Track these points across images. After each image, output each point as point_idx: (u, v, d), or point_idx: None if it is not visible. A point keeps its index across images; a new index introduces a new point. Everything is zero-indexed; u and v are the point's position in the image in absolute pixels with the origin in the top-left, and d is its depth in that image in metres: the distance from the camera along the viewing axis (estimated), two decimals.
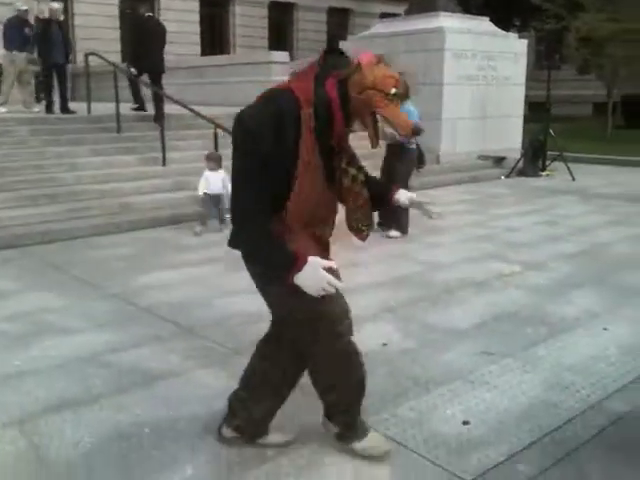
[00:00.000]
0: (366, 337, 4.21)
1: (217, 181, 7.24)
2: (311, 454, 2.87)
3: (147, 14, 10.67)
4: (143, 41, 10.28)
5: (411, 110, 7.06)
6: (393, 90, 2.22)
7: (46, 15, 10.79)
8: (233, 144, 2.33)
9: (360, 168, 2.52)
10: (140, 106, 10.78)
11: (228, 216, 6.93)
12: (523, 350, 3.99)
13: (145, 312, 4.74)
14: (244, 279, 5.65)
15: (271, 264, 2.39)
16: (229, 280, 5.47)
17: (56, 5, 10.84)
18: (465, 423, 3.14)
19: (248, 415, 2.88)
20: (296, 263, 2.30)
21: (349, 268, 5.80)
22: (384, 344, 4.11)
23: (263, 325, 4.34)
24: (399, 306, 4.83)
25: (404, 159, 7.10)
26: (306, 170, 2.33)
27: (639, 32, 16.51)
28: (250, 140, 2.25)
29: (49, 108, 10.89)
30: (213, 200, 7.29)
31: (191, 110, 8.89)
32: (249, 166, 2.28)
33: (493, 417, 3.21)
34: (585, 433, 3.08)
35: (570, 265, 5.94)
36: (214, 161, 7.33)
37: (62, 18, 11.08)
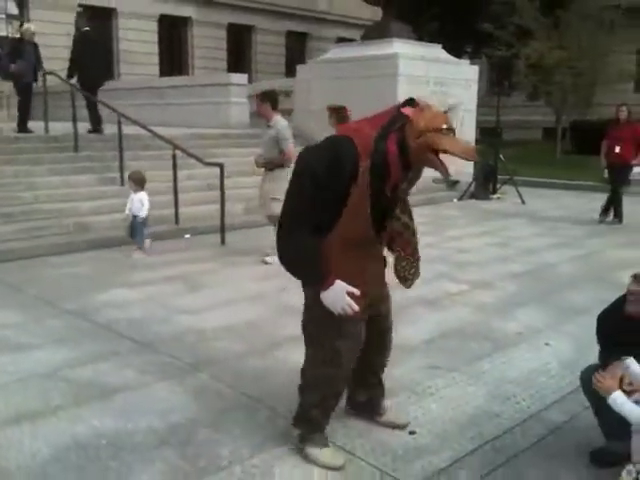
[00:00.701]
0: None
1: (136, 201, 7.30)
2: (263, 464, 2.99)
3: (84, 29, 10.85)
4: (81, 55, 10.50)
5: None
6: (444, 125, 2.45)
7: (17, 35, 10.82)
8: (293, 172, 2.65)
9: (412, 218, 2.75)
10: (95, 128, 10.83)
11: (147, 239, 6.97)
12: (468, 364, 4.19)
13: (103, 329, 4.80)
14: (201, 298, 5.81)
15: (304, 277, 2.75)
16: (186, 299, 5.57)
17: (27, 25, 10.89)
18: (411, 433, 3.30)
19: None
20: (324, 282, 2.65)
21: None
22: None
23: (218, 342, 4.50)
24: None
25: None
26: (351, 213, 2.56)
27: (583, 61, 17.29)
28: (307, 175, 2.53)
29: (22, 126, 10.81)
30: (134, 221, 7.29)
31: (149, 130, 8.97)
32: (303, 193, 2.57)
33: (438, 426, 3.38)
34: (524, 441, 3.27)
35: (516, 284, 6.20)
36: (134, 181, 7.40)
37: (34, 38, 11.04)
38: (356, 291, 2.66)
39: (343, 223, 2.60)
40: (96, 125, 10.91)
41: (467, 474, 2.96)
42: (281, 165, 6.65)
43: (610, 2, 18.27)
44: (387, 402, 3.42)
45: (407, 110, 2.51)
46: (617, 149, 9.41)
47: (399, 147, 2.48)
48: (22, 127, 10.67)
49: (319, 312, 2.76)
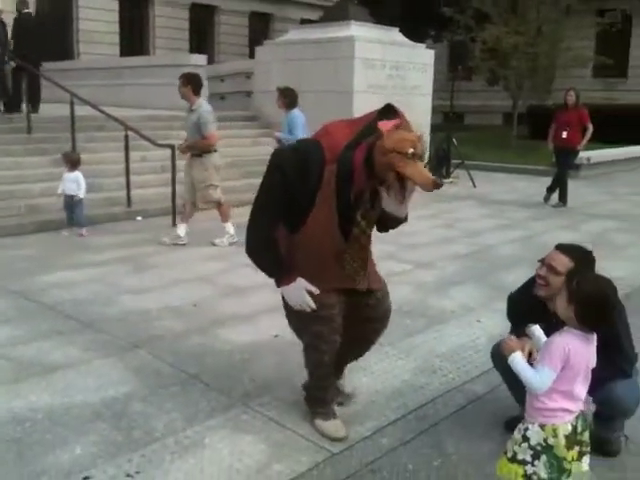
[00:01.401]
0: (260, 329, 4.54)
1: (70, 182, 7.36)
2: (195, 435, 3.13)
3: (25, 10, 10.82)
4: (19, 36, 10.52)
5: (296, 115, 7.48)
6: (410, 150, 2.52)
7: None
8: (267, 167, 2.82)
9: (369, 224, 2.85)
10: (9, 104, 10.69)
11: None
12: (401, 340, 4.38)
13: (47, 309, 4.88)
14: (147, 279, 5.90)
15: (267, 267, 2.93)
16: (132, 280, 5.67)
17: None
18: (339, 404, 3.47)
19: None
20: (285, 278, 2.85)
21: (252, 267, 6.09)
22: (276, 335, 4.41)
23: (162, 322, 4.63)
24: None
25: None
26: (319, 214, 2.72)
27: (540, 46, 17.57)
28: (278, 172, 2.73)
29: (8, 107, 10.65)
30: (67, 201, 7.37)
31: (101, 111, 8.96)
32: (271, 188, 2.76)
33: (365, 398, 3.56)
34: (445, 411, 3.48)
35: (456, 265, 6.43)
36: (69, 161, 7.46)
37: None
38: (315, 290, 2.81)
39: (311, 227, 2.76)
40: (34, 104, 10.75)
41: (389, 441, 3.15)
42: (207, 151, 6.70)
43: None
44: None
45: (382, 124, 2.60)
46: (564, 134, 9.66)
47: (365, 158, 2.62)
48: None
49: (290, 316, 3.07)
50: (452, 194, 11.07)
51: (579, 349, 2.45)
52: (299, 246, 2.85)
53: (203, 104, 6.72)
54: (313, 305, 2.81)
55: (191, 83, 6.63)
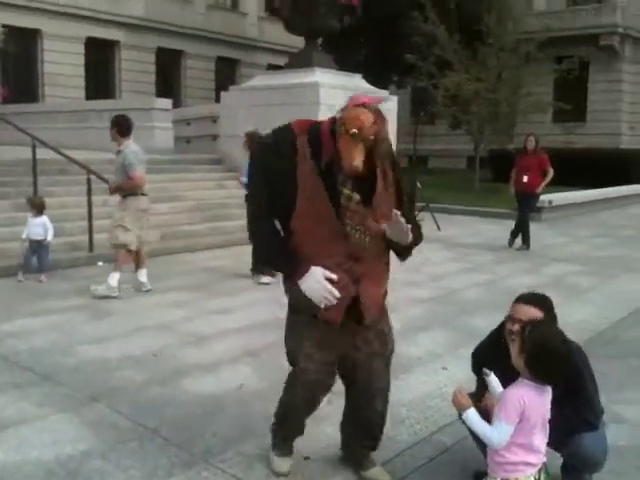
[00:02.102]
0: (223, 379, 4.44)
1: (36, 226, 7.26)
2: None
3: None
4: None
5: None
6: (353, 130, 2.55)
7: None
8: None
9: (356, 189, 2.71)
10: None
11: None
12: None
13: (2, 360, 4.71)
14: (107, 326, 5.76)
15: (276, 266, 2.89)
16: (91, 328, 5.53)
17: None
18: (306, 458, 3.38)
19: None
20: (297, 269, 2.69)
21: (218, 314, 6.02)
22: (240, 386, 4.31)
23: (121, 372, 4.49)
24: (261, 350, 5.03)
25: None
26: (306, 191, 2.67)
27: (500, 92, 18.04)
28: (257, 164, 2.84)
29: None
30: (32, 246, 7.25)
31: (64, 155, 8.87)
32: (255, 180, 2.81)
33: (331, 451, 3.47)
34: (414, 463, 3.41)
35: (421, 309, 6.42)
36: (34, 206, 7.36)
37: None
38: (334, 276, 2.66)
39: (302, 206, 2.69)
40: None
41: None
42: (134, 192, 6.60)
43: (525, 36, 19.15)
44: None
45: (354, 98, 2.67)
46: (525, 178, 9.87)
47: (330, 125, 2.69)
48: None
49: (288, 334, 2.95)
50: None
51: (534, 401, 2.45)
52: (298, 233, 2.74)
53: (130, 145, 6.65)
54: (337, 293, 2.66)
55: (117, 125, 6.64)
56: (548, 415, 2.48)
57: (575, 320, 5.79)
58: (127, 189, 6.62)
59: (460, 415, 2.82)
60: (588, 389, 2.91)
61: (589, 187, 16.85)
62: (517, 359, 2.52)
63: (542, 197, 10.94)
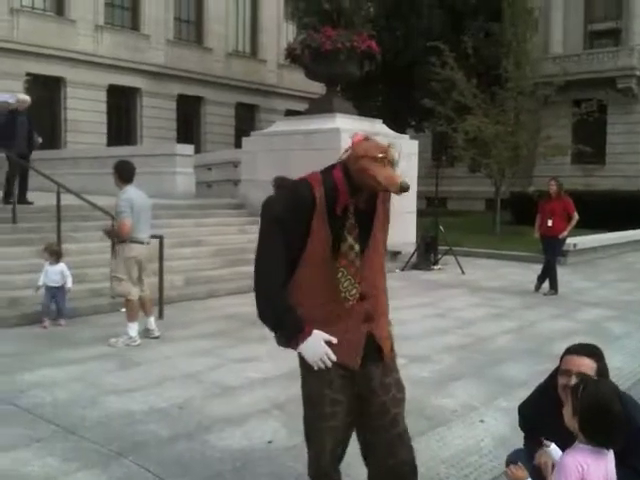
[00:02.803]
0: (251, 434, 4.29)
1: (54, 274, 7.23)
2: None
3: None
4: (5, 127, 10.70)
5: None
6: (380, 154, 2.57)
7: (14, 106, 10.72)
8: (260, 220, 2.77)
9: (357, 241, 2.70)
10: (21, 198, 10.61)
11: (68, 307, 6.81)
12: None
13: (26, 412, 4.60)
14: (132, 376, 5.64)
15: (280, 327, 2.72)
16: (115, 377, 5.42)
17: (22, 96, 10.81)
18: None
19: None
20: (302, 332, 2.65)
21: (244, 362, 5.88)
22: (269, 442, 4.16)
23: (147, 426, 4.36)
24: (288, 402, 4.88)
25: None
26: (315, 238, 2.65)
27: (519, 135, 18.04)
28: (269, 216, 2.70)
29: (7, 198, 10.49)
30: (50, 293, 7.21)
31: (86, 201, 8.89)
32: (268, 235, 2.69)
33: None
34: None
35: (452, 358, 6.24)
36: (50, 254, 7.33)
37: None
38: (333, 339, 2.66)
39: (308, 252, 2.67)
40: (22, 195, 10.70)
41: None
42: (122, 240, 6.51)
43: (543, 79, 19.24)
44: None
45: (352, 138, 2.69)
46: (549, 222, 9.76)
47: (343, 172, 2.65)
48: (6, 199, 10.43)
49: (305, 389, 2.85)
50: (441, 281, 11.01)
51: (593, 466, 2.30)
52: (299, 284, 2.72)
53: (127, 191, 6.58)
54: (333, 357, 2.65)
55: (117, 171, 6.67)
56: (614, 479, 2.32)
57: (612, 367, 5.57)
58: (116, 236, 6.56)
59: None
60: None
61: (609, 230, 16.66)
62: (571, 421, 2.37)
63: (567, 241, 10.77)
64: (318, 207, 2.64)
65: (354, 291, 2.71)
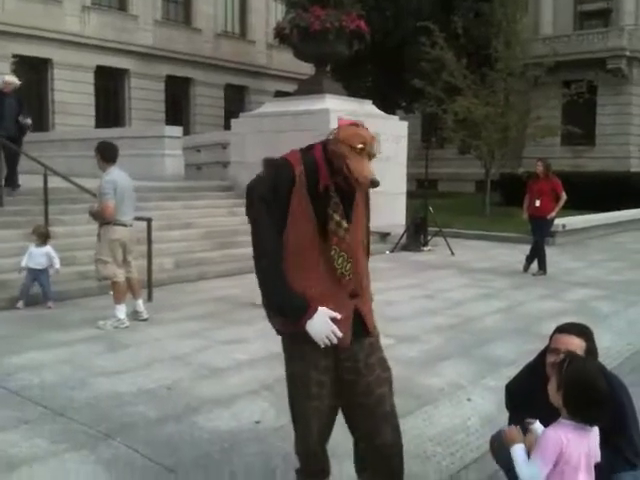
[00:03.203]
0: (239, 415, 4.30)
1: (39, 256, 7.19)
2: None
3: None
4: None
5: None
6: (359, 145, 2.57)
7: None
8: (245, 205, 2.76)
9: (344, 217, 2.71)
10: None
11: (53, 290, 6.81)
12: None
13: (14, 395, 4.59)
14: (120, 358, 5.64)
15: (284, 309, 2.72)
16: (103, 360, 5.41)
17: (9, 78, 10.62)
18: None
19: None
20: (308, 310, 2.65)
21: (232, 344, 5.89)
22: (257, 422, 4.17)
23: (135, 407, 4.36)
24: (276, 382, 4.87)
25: None
26: (296, 215, 2.65)
27: (509, 116, 18.02)
28: (256, 199, 2.69)
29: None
30: (32, 275, 7.18)
31: (74, 183, 8.83)
32: (259, 216, 2.69)
33: None
34: None
35: (441, 338, 6.27)
36: (38, 235, 7.29)
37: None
38: (338, 315, 2.67)
39: (291, 232, 2.68)
40: (10, 179, 10.54)
41: None
42: (106, 222, 6.45)
43: (533, 60, 19.19)
44: None
45: (341, 120, 2.70)
46: (537, 202, 9.79)
47: (323, 152, 2.67)
48: (13, 182, 10.26)
49: (289, 371, 2.91)
50: (431, 263, 11.03)
51: (574, 442, 2.33)
52: (288, 265, 2.71)
53: (111, 173, 6.50)
54: (339, 333, 2.66)
55: (100, 151, 6.56)
56: (596, 457, 2.34)
57: (600, 347, 5.61)
58: (100, 218, 6.51)
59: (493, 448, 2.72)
60: (630, 427, 2.76)
61: (599, 211, 16.73)
62: (555, 396, 2.40)
63: (556, 221, 10.82)
64: (297, 185, 2.66)
65: (349, 266, 2.73)
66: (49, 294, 7.26)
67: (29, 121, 10.79)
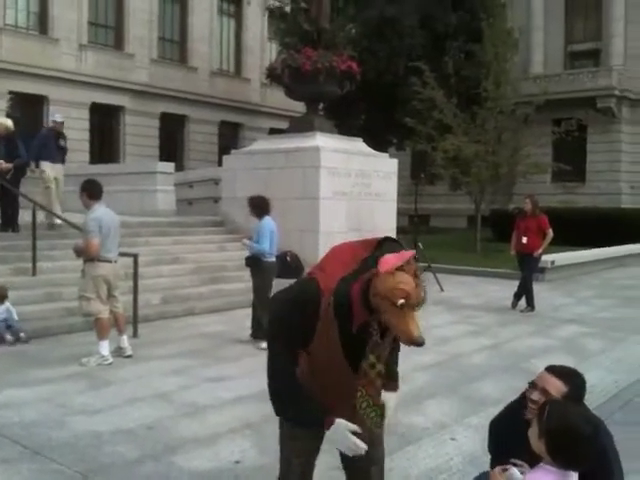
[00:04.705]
0: (220, 454, 4.25)
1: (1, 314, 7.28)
2: None
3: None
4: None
5: (264, 224, 7.47)
6: (400, 301, 2.29)
7: None
8: (269, 321, 2.65)
9: (380, 358, 2.52)
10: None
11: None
12: None
13: None
14: (102, 396, 5.58)
15: (302, 419, 2.60)
16: (85, 398, 5.36)
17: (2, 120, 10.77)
18: None
19: None
20: (325, 422, 2.52)
21: (217, 382, 5.85)
22: (237, 462, 4.13)
23: (114, 447, 4.31)
24: (259, 421, 4.84)
25: (258, 272, 7.44)
26: (319, 346, 2.51)
27: (500, 154, 18.22)
28: (277, 321, 2.59)
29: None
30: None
31: (63, 219, 8.85)
32: (277, 338, 2.57)
33: None
34: None
35: (427, 376, 6.24)
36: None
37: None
38: (357, 429, 2.51)
39: (315, 352, 2.55)
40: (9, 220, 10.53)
41: None
42: (89, 259, 6.46)
43: (523, 99, 19.47)
44: None
45: (384, 261, 2.40)
46: (524, 239, 9.85)
47: (362, 292, 2.43)
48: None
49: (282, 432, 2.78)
50: None
51: None
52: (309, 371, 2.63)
53: (95, 210, 6.53)
54: (364, 446, 2.50)
55: (85, 190, 6.58)
56: None
57: (587, 385, 5.61)
58: (84, 254, 6.52)
59: None
60: (613, 472, 2.72)
61: (589, 247, 16.79)
62: (537, 443, 2.34)
63: (544, 257, 10.87)
64: (322, 313, 2.48)
65: (373, 414, 2.56)
66: (17, 327, 7.25)
67: (21, 161, 10.71)
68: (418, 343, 2.31)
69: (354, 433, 2.50)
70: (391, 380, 2.76)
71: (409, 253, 2.41)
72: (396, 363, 2.83)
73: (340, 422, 2.51)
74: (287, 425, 2.73)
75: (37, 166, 10.86)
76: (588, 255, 15.69)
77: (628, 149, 27.67)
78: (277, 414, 2.66)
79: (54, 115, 11.45)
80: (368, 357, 2.49)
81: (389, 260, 2.37)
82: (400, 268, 2.34)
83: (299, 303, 2.54)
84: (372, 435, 2.70)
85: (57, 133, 11.17)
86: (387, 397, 2.67)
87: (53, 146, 10.94)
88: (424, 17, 21.94)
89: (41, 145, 10.92)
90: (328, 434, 2.53)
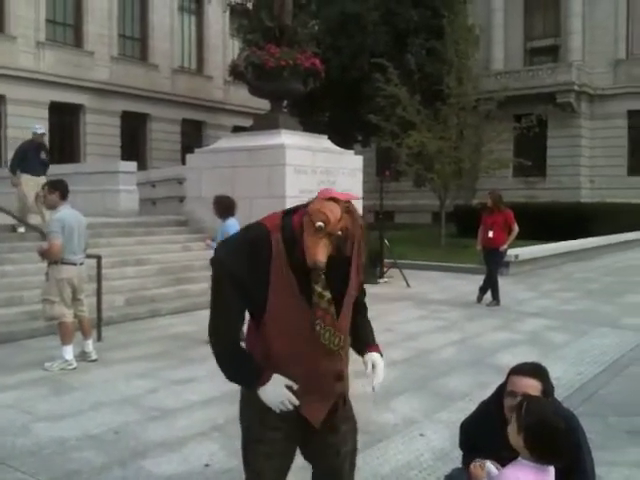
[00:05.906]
0: (189, 457, 4.20)
1: None
2: None
3: None
4: None
5: (229, 225, 7.40)
6: (319, 223, 2.35)
7: None
8: (211, 276, 2.56)
9: (327, 287, 2.52)
10: None
11: None
12: None
13: None
14: (66, 402, 5.46)
15: (237, 377, 2.59)
16: (49, 403, 5.25)
17: None
18: None
19: None
20: (259, 378, 2.52)
21: (184, 384, 5.78)
22: (206, 465, 4.08)
23: (80, 453, 4.22)
24: (228, 423, 4.78)
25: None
26: (277, 287, 2.47)
27: (462, 150, 18.41)
28: (220, 267, 2.50)
29: None
30: None
31: (20, 220, 8.66)
32: (220, 289, 2.51)
33: None
34: None
35: (395, 372, 6.24)
36: None
37: None
38: (294, 385, 2.52)
39: (274, 304, 2.50)
40: None
41: None
42: (53, 261, 6.34)
43: (484, 95, 19.68)
44: None
45: (325, 190, 2.50)
46: (490, 234, 9.97)
47: (301, 222, 2.45)
48: None
49: (243, 427, 2.73)
50: (387, 295, 11.05)
51: None
52: (268, 327, 2.55)
53: (59, 210, 6.42)
54: (296, 401, 2.51)
55: (58, 190, 6.48)
56: None
57: (552, 377, 5.68)
58: (46, 256, 6.39)
59: None
60: (586, 464, 2.75)
61: (551, 241, 17.05)
62: (515, 438, 2.38)
63: (509, 252, 11.02)
64: (275, 254, 2.47)
65: (337, 340, 2.56)
66: None
67: None
68: (318, 267, 2.39)
69: (289, 389, 2.52)
70: (371, 343, 2.80)
71: (352, 195, 2.54)
72: (366, 322, 2.83)
73: (277, 376, 2.53)
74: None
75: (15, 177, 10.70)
76: (550, 249, 15.93)
77: (587, 144, 28.22)
78: (219, 366, 2.60)
79: (34, 127, 11.22)
80: (315, 289, 2.51)
81: (331, 189, 2.50)
82: (336, 200, 2.41)
83: (247, 243, 2.51)
84: (340, 429, 2.70)
85: (38, 145, 10.95)
86: (374, 358, 2.74)
87: (34, 158, 10.72)
88: (385, 13, 22.03)
89: (20, 158, 10.72)
90: (262, 389, 2.52)
